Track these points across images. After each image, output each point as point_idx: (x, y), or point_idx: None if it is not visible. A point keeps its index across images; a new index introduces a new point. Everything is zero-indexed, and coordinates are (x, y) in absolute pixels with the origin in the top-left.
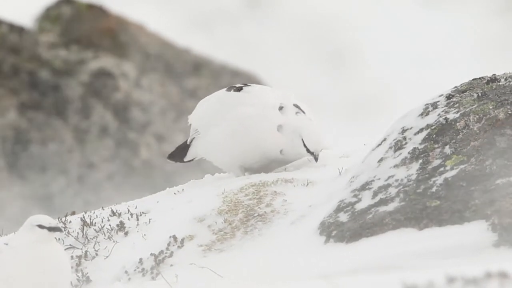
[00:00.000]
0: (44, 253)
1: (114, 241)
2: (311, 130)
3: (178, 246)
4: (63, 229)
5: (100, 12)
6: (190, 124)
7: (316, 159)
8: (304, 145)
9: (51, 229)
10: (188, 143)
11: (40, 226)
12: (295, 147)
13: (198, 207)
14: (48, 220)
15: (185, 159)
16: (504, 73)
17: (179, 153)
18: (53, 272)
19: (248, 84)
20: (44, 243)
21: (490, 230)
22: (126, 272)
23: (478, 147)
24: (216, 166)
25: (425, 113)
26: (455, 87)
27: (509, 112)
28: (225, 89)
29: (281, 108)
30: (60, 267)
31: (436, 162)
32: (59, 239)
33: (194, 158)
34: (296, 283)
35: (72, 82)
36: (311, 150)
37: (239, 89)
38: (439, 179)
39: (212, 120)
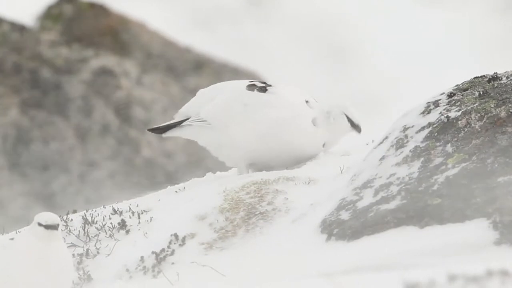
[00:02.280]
0: (44, 251)
1: (115, 239)
2: (348, 104)
3: (180, 244)
4: (59, 227)
5: (101, 10)
6: (184, 108)
7: (360, 130)
8: (349, 120)
9: (47, 227)
10: (180, 125)
11: (39, 224)
12: (338, 130)
13: (200, 205)
14: (46, 218)
15: (165, 135)
16: (505, 72)
17: (163, 128)
18: (53, 271)
19: (268, 83)
20: (44, 241)
21: (491, 228)
22: (127, 270)
23: (479, 145)
24: (217, 165)
25: (426, 111)
26: (457, 85)
27: (511, 111)
28: (246, 87)
29: (307, 102)
30: (60, 266)
31: (438, 160)
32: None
33: (175, 136)
34: (298, 281)
35: (74, 81)
36: (356, 122)
37: (263, 90)
38: (441, 177)
39: (232, 118)
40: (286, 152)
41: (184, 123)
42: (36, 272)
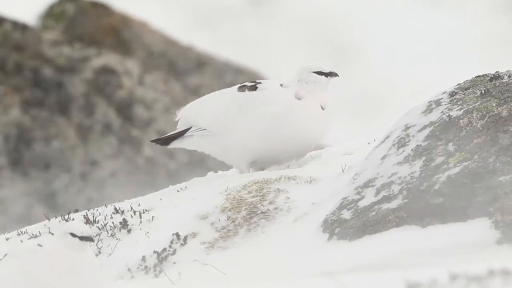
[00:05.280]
0: (74, 259)
1: (117, 239)
2: (306, 63)
3: (181, 244)
4: (94, 238)
5: (103, 9)
6: (179, 120)
7: (336, 74)
8: (319, 73)
9: (83, 238)
10: (183, 136)
11: (72, 235)
12: (318, 88)
13: (201, 205)
14: (81, 229)
15: (170, 146)
16: (507, 70)
17: (166, 139)
18: (83, 279)
19: (256, 81)
20: (75, 251)
21: (493, 227)
22: (129, 269)
23: (481, 144)
24: (218, 164)
25: (428, 110)
26: (458, 84)
27: None
28: (236, 89)
29: (281, 85)
30: (90, 273)
31: (439, 159)
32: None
33: (178, 147)
34: (299, 280)
35: (76, 80)
36: (326, 71)
37: (254, 88)
38: (442, 177)
39: (230, 122)
40: (291, 141)
41: (185, 134)
42: (65, 279)
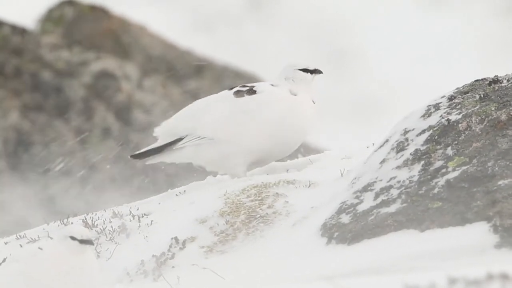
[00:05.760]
0: (75, 263)
1: (116, 243)
2: (290, 61)
3: (180, 248)
4: (94, 242)
5: (102, 13)
6: (159, 134)
7: (320, 71)
8: (304, 70)
9: (82, 241)
10: (174, 148)
11: (72, 238)
12: (305, 84)
13: (200, 209)
14: (81, 232)
15: (150, 162)
16: (506, 75)
17: (145, 154)
18: (83, 281)
19: (247, 84)
20: (75, 254)
21: (491, 231)
22: (128, 274)
23: (480, 149)
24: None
25: (427, 114)
26: (457, 88)
27: (511, 114)
28: (233, 95)
29: (272, 85)
30: (87, 281)
31: (438, 163)
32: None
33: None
34: (298, 284)
35: (75, 84)
36: (311, 68)
37: (252, 92)
38: (441, 181)
39: (237, 128)
40: (294, 137)
41: (176, 146)
42: (65, 281)
